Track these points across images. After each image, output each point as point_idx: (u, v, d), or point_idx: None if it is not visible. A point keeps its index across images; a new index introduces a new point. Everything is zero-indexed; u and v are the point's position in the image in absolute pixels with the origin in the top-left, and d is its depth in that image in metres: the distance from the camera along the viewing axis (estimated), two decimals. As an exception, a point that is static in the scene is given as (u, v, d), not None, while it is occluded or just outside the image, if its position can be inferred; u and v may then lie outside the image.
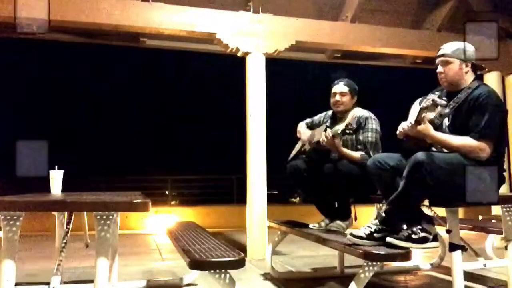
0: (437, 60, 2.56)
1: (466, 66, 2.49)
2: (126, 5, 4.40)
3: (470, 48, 2.52)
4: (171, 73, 23.60)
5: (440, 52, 2.54)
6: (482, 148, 2.31)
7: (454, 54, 2.49)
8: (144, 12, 4.44)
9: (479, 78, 2.57)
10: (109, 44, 5.44)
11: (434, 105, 2.37)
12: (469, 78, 2.51)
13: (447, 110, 2.47)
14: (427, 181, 2.19)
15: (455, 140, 2.37)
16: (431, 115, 2.49)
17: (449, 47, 2.52)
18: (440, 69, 2.54)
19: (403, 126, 2.49)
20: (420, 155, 2.20)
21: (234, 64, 5.27)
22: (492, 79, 5.59)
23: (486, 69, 5.63)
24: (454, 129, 2.44)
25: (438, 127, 2.45)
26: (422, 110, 2.36)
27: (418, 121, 2.37)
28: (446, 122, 2.50)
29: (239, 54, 4.71)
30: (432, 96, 2.43)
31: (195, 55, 6.43)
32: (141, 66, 22.05)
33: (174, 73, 23.41)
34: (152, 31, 4.69)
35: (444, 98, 2.47)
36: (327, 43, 5.12)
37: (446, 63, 2.51)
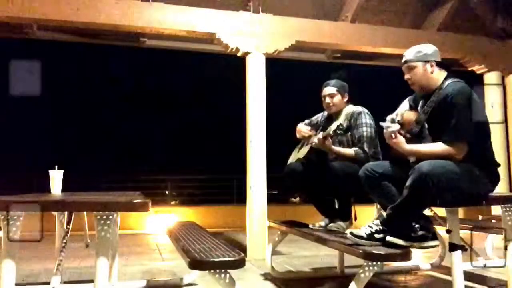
0: (403, 69, 2.56)
1: (431, 66, 2.46)
2: (126, 5, 4.40)
3: (430, 48, 2.50)
4: (171, 73, 23.60)
5: (403, 60, 2.54)
6: (454, 151, 2.29)
7: (415, 58, 2.48)
8: (144, 12, 4.44)
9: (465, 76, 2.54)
10: (109, 44, 5.44)
11: (390, 123, 2.39)
12: (438, 77, 2.48)
13: (422, 116, 2.47)
14: (433, 193, 2.20)
15: (425, 148, 2.37)
16: (413, 115, 2.50)
17: (410, 52, 2.52)
18: (406, 76, 2.54)
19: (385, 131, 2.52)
20: (424, 166, 2.17)
21: (234, 64, 5.27)
22: (492, 79, 5.58)
23: (486, 69, 5.61)
24: (433, 133, 2.43)
25: (418, 134, 2.45)
26: (387, 129, 2.37)
27: (391, 135, 2.36)
28: (426, 124, 2.48)
29: (239, 54, 4.71)
30: (389, 117, 2.45)
31: (195, 55, 6.43)
32: (141, 66, 22.04)
33: (174, 73, 23.40)
34: (152, 31, 4.69)
35: (393, 117, 2.47)
36: (327, 43, 5.12)
37: (410, 69, 2.51)
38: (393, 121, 2.41)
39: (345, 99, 3.27)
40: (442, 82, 2.45)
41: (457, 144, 2.30)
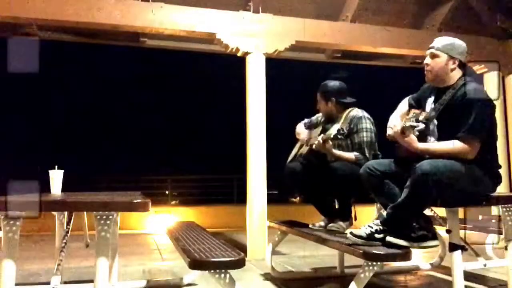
0: (426, 52, 2.54)
1: (454, 63, 2.45)
2: (126, 5, 4.40)
3: (460, 46, 2.48)
4: (171, 73, 23.60)
5: (430, 45, 2.53)
6: (469, 149, 2.29)
7: (444, 49, 2.46)
8: (144, 12, 4.44)
9: (470, 74, 2.54)
10: (109, 44, 5.44)
11: (415, 123, 2.35)
12: (455, 75, 2.47)
13: (433, 113, 2.45)
14: (433, 193, 2.19)
15: (439, 147, 2.35)
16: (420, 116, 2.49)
17: (441, 41, 2.50)
18: (427, 60, 2.52)
19: (389, 131, 2.51)
20: (425, 166, 2.17)
21: (234, 64, 5.27)
22: (492, 79, 5.58)
23: (486, 69, 5.61)
24: (443, 130, 2.41)
25: (425, 130, 2.43)
26: (405, 127, 2.34)
27: (403, 132, 2.34)
28: (435, 122, 2.46)
29: (239, 54, 4.71)
30: (414, 118, 2.39)
31: (195, 55, 6.43)
32: (141, 66, 22.04)
33: (174, 73, 23.40)
34: (152, 31, 4.69)
35: (417, 115, 2.43)
36: (327, 43, 5.12)
37: (433, 56, 2.49)
38: (417, 119, 2.35)
39: (332, 103, 3.25)
40: (456, 82, 2.45)
41: (472, 141, 2.29)
